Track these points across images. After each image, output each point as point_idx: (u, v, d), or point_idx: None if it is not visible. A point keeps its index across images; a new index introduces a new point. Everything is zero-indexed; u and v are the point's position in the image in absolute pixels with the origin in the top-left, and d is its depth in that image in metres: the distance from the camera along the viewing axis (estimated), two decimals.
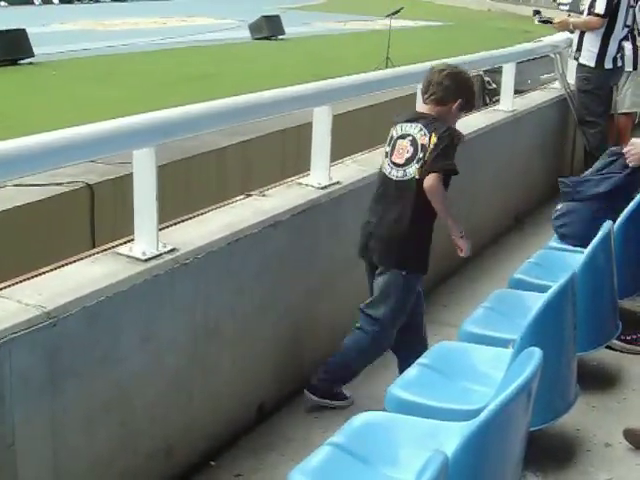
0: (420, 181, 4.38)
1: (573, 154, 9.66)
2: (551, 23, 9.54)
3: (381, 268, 4.58)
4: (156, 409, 3.88)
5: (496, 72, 16.00)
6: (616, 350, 5.08)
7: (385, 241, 4.55)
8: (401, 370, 4.62)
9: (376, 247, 4.58)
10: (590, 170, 5.90)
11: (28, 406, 3.23)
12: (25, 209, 6.81)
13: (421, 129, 4.45)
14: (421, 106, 4.64)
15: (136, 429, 3.79)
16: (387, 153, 4.57)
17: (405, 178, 4.45)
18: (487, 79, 18.39)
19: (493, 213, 7.51)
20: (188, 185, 8.48)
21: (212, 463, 4.21)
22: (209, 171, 9.30)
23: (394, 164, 4.50)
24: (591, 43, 8.68)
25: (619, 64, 8.84)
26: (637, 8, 9.45)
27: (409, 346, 4.69)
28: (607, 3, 8.50)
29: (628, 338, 5.11)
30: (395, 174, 4.49)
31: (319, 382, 4.66)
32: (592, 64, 8.70)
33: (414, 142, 4.44)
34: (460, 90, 4.57)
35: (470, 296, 6.22)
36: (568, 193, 5.77)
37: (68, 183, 7.70)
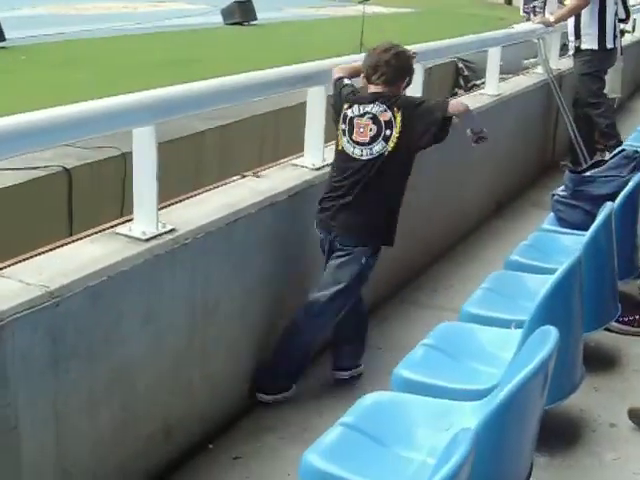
0: (389, 157, 4.40)
1: (555, 139, 9.68)
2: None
3: (346, 247, 4.50)
4: (157, 391, 3.84)
5: (468, 60, 16.13)
6: (613, 332, 5.09)
7: (363, 220, 4.48)
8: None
9: (349, 225, 4.49)
10: (602, 167, 5.89)
11: (31, 388, 3.18)
12: (1, 193, 6.73)
13: (380, 106, 4.44)
14: (371, 87, 4.57)
15: (137, 411, 3.75)
16: (344, 131, 4.51)
17: (372, 156, 4.42)
18: (461, 66, 18.47)
19: (478, 198, 7.51)
20: (166, 169, 8.41)
21: (210, 446, 4.17)
22: (187, 155, 9.23)
23: (357, 143, 4.45)
24: (588, 25, 8.72)
25: (617, 44, 8.93)
26: None
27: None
28: None
29: (625, 319, 5.12)
30: (359, 153, 4.44)
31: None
32: (595, 46, 8.74)
33: (376, 120, 4.43)
34: (408, 69, 4.62)
35: (458, 280, 6.24)
36: (569, 188, 5.78)
37: (45, 167, 7.61)
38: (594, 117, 9.02)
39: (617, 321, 5.03)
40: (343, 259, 4.48)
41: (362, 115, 4.45)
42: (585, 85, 8.95)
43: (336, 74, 4.77)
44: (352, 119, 4.48)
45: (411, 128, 4.40)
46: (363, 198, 4.43)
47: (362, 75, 4.62)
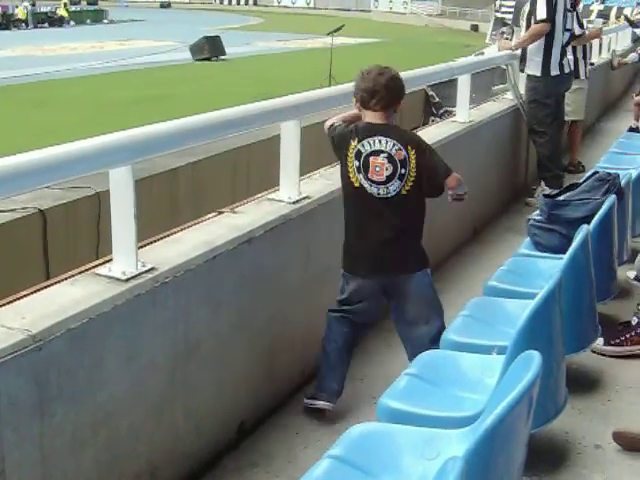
0: (407, 196, 4.43)
1: (527, 163, 9.75)
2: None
3: (403, 276, 4.57)
4: (141, 429, 3.83)
5: (438, 86, 16.25)
6: (594, 353, 5.11)
7: (399, 253, 4.52)
8: None
9: (391, 262, 4.54)
10: (575, 190, 5.94)
11: (17, 431, 3.17)
12: None
13: (394, 144, 4.41)
14: (371, 115, 4.50)
15: (122, 450, 3.73)
16: (358, 168, 4.46)
17: (389, 195, 4.42)
18: (431, 93, 18.65)
19: (454, 225, 7.53)
20: (139, 207, 8.41)
21: None
22: (161, 193, 9.23)
23: (373, 182, 4.43)
24: (534, 52, 8.72)
25: (566, 70, 8.87)
26: (576, 13, 9.53)
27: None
28: (547, 7, 8.50)
29: (616, 341, 5.15)
30: (377, 192, 4.43)
31: None
32: (538, 73, 8.74)
33: (391, 159, 4.40)
34: (403, 90, 4.57)
35: None
36: (544, 212, 5.82)
37: (19, 209, 7.59)
38: (536, 146, 9.03)
39: (609, 344, 5.08)
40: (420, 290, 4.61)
41: (377, 153, 4.41)
42: (531, 112, 8.96)
43: (328, 123, 4.74)
44: (367, 157, 4.43)
45: (421, 172, 4.43)
46: (398, 231, 4.49)
47: (355, 101, 4.56)
